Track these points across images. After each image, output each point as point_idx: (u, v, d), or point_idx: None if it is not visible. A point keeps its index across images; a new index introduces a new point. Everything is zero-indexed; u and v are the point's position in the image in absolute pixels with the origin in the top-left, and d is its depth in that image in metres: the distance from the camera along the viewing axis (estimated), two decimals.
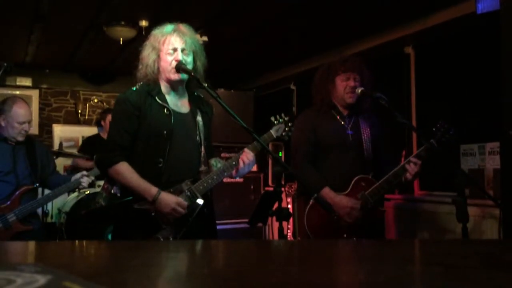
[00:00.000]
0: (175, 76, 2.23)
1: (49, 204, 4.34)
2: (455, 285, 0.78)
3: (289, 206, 4.59)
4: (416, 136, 4.10)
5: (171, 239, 2.15)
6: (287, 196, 4.49)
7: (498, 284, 0.78)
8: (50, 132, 6.68)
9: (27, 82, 6.53)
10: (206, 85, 2.21)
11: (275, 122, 2.50)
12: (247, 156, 2.30)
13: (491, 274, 0.86)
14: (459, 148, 3.59)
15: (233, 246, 1.33)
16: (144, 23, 4.37)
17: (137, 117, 2.21)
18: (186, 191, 2.21)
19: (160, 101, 2.24)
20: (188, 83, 2.35)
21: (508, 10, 2.38)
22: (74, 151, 5.27)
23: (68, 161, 5.59)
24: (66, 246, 1.53)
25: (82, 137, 6.29)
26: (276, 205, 2.36)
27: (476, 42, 3.69)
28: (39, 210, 3.58)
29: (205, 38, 4.48)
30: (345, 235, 2.74)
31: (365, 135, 2.92)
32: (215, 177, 2.27)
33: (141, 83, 2.28)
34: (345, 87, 2.86)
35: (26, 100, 3.42)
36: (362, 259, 1.11)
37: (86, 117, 6.88)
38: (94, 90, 6.94)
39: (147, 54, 2.25)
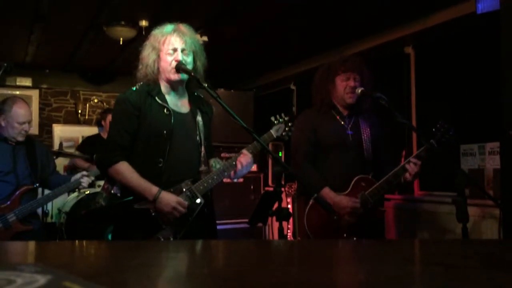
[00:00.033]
0: (175, 76, 2.23)
1: (49, 204, 4.34)
2: (455, 285, 0.78)
3: (289, 206, 4.59)
4: (416, 136, 4.10)
5: (171, 239, 2.15)
6: (287, 196, 4.49)
7: (498, 284, 0.78)
8: (50, 132, 6.68)
9: (27, 82, 6.53)
10: (206, 85, 2.21)
11: (275, 122, 2.50)
12: (245, 158, 2.30)
13: (491, 274, 0.86)
14: (459, 148, 3.59)
15: (233, 246, 1.33)
16: (144, 23, 4.37)
17: (137, 117, 2.21)
18: (186, 191, 2.21)
19: (160, 101, 2.24)
20: (188, 83, 2.35)
21: (508, 10, 2.38)
22: (74, 151, 5.27)
23: (68, 161, 5.59)
24: (66, 246, 1.53)
25: (82, 137, 6.29)
26: (276, 205, 2.36)
27: (476, 42, 3.69)
28: (39, 210, 3.58)
29: (205, 38, 4.48)
30: (345, 235, 2.74)
31: (365, 135, 2.92)
32: (215, 177, 2.27)
33: (141, 83, 2.28)
34: (345, 87, 2.86)
35: (26, 100, 3.42)
36: (362, 259, 1.11)
37: (86, 117, 6.88)
38: (94, 90, 6.94)
39: (147, 54, 2.25)
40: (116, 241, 2.25)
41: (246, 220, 2.53)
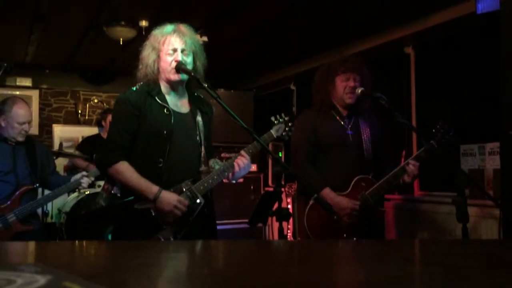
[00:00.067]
0: (175, 77, 2.23)
1: (49, 204, 4.34)
2: (455, 285, 0.78)
3: (289, 206, 4.59)
4: (416, 137, 4.10)
5: (171, 239, 2.15)
6: (287, 196, 4.49)
7: (498, 284, 0.78)
8: (50, 132, 6.68)
9: (27, 82, 6.53)
10: (206, 85, 2.21)
11: (275, 122, 2.50)
12: (242, 160, 2.30)
13: (491, 274, 0.86)
14: (459, 148, 3.59)
15: (233, 246, 1.33)
16: (144, 23, 4.37)
17: (137, 117, 2.21)
18: (186, 191, 2.21)
19: (160, 101, 2.24)
20: (188, 83, 2.35)
21: (508, 10, 2.38)
22: (74, 151, 5.27)
23: (67, 161, 5.59)
24: (66, 246, 1.53)
25: (82, 137, 6.28)
26: (276, 205, 2.36)
27: (476, 42, 3.69)
28: (39, 210, 3.58)
29: (205, 38, 4.48)
30: (345, 235, 2.74)
31: (365, 135, 2.92)
32: (215, 177, 2.27)
33: (141, 83, 2.28)
34: (344, 88, 2.86)
35: (26, 100, 3.42)
36: (362, 259, 1.11)
37: (86, 117, 6.88)
38: (94, 90, 6.94)
39: (147, 54, 2.25)
40: (116, 241, 2.25)
41: (246, 220, 2.53)
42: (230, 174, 2.31)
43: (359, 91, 2.82)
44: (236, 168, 2.29)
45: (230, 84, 6.13)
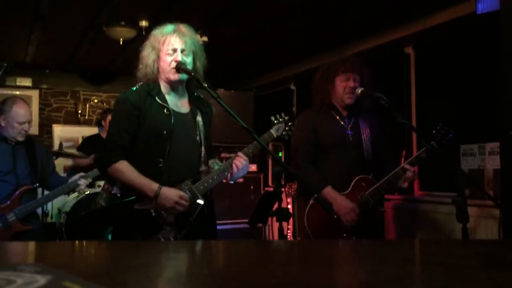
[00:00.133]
0: (174, 77, 2.23)
1: (49, 204, 4.34)
2: (455, 285, 0.78)
3: (289, 206, 4.59)
4: (416, 137, 4.10)
5: (171, 239, 2.15)
6: (287, 196, 4.49)
7: (498, 284, 0.78)
8: (50, 132, 6.68)
9: (27, 82, 6.52)
10: (206, 85, 2.21)
11: (275, 121, 2.50)
12: (240, 160, 2.30)
13: (491, 274, 0.86)
14: (459, 148, 3.59)
15: (233, 246, 1.33)
16: (144, 23, 4.37)
17: (137, 117, 2.21)
18: (187, 191, 2.21)
19: (160, 101, 2.24)
20: (188, 83, 2.35)
21: (508, 10, 2.38)
22: (74, 151, 5.27)
23: (68, 162, 5.59)
24: (66, 246, 1.53)
25: (82, 137, 6.28)
26: (276, 205, 2.36)
27: (476, 42, 3.69)
28: (39, 210, 3.58)
29: (205, 38, 4.48)
30: (345, 235, 2.74)
31: (365, 135, 2.92)
32: (215, 177, 2.27)
33: (141, 83, 2.29)
34: (344, 88, 2.86)
35: (26, 100, 3.42)
36: (362, 259, 1.11)
37: (86, 117, 6.87)
38: (94, 90, 6.94)
39: (147, 54, 2.26)
40: (116, 241, 2.25)
41: (246, 220, 2.53)
42: (229, 175, 2.31)
43: (359, 91, 2.82)
44: (235, 169, 2.29)
45: (230, 84, 6.13)
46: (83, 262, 1.05)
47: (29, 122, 3.19)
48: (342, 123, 2.92)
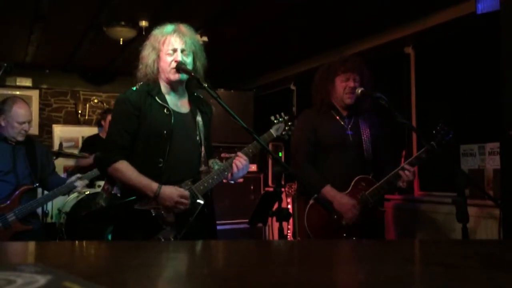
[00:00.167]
0: (174, 77, 2.23)
1: (49, 204, 4.34)
2: (455, 285, 0.78)
3: (289, 206, 4.59)
4: (416, 137, 4.10)
5: (171, 239, 2.15)
6: (287, 196, 4.49)
7: (498, 284, 0.78)
8: (50, 133, 6.67)
9: (27, 82, 6.52)
10: (206, 85, 2.21)
11: (275, 121, 2.51)
12: (240, 160, 2.30)
13: (491, 274, 0.86)
14: (459, 149, 3.59)
15: (233, 246, 1.33)
16: (144, 23, 4.37)
17: (137, 117, 2.21)
18: (186, 191, 2.21)
19: (160, 101, 2.24)
20: (188, 83, 2.35)
21: (508, 10, 2.38)
22: (74, 151, 5.28)
23: (67, 162, 5.60)
24: (66, 246, 1.53)
25: (82, 137, 6.29)
26: (276, 206, 2.36)
27: (476, 42, 3.69)
28: (39, 210, 3.59)
29: (205, 38, 4.47)
30: (345, 235, 2.74)
31: (365, 135, 2.92)
32: (215, 177, 2.27)
33: (141, 83, 2.29)
34: (344, 88, 2.86)
35: (26, 100, 3.43)
36: (362, 259, 1.11)
37: (86, 117, 6.87)
38: (94, 90, 6.93)
39: (147, 54, 2.26)
40: (116, 241, 2.25)
41: (246, 220, 2.53)
42: (229, 175, 2.31)
43: (359, 91, 2.82)
44: (235, 169, 2.29)
45: (230, 84, 6.13)
46: (83, 262, 1.05)
47: (29, 122, 3.19)
48: (342, 123, 2.92)
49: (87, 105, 6.88)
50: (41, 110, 6.65)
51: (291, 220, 4.59)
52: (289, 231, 4.66)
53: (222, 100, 2.09)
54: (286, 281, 0.81)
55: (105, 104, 6.87)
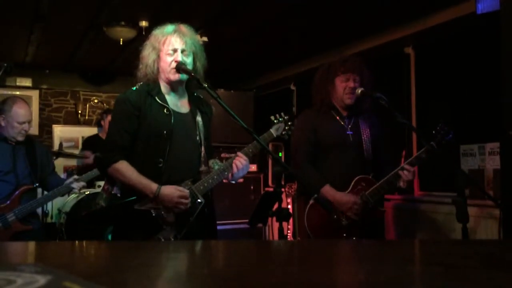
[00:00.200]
0: (174, 77, 2.23)
1: (49, 204, 4.34)
2: (455, 285, 0.78)
3: (289, 206, 4.59)
4: (416, 137, 4.10)
5: (171, 239, 2.15)
6: (287, 196, 4.49)
7: (498, 284, 0.78)
8: (50, 133, 6.67)
9: (27, 82, 6.52)
10: (206, 85, 2.21)
11: (275, 121, 2.51)
12: (240, 160, 2.30)
13: (491, 274, 0.86)
14: (459, 149, 3.59)
15: (233, 246, 1.33)
16: (144, 23, 4.37)
17: (137, 117, 2.21)
18: (187, 191, 2.21)
19: (160, 101, 2.24)
20: (188, 84, 2.35)
21: (508, 10, 2.38)
22: (74, 151, 5.28)
23: (67, 162, 5.60)
24: (66, 246, 1.53)
25: (82, 137, 6.29)
26: (276, 206, 2.36)
27: (476, 42, 3.69)
28: (39, 210, 3.59)
29: (205, 38, 4.47)
30: (345, 235, 2.74)
31: (365, 136, 2.92)
32: (215, 177, 2.27)
33: (141, 83, 2.29)
34: (344, 88, 2.86)
35: (26, 101, 3.43)
36: (362, 259, 1.11)
37: (86, 117, 6.87)
38: (94, 91, 6.93)
39: (147, 54, 2.26)
40: (116, 241, 2.25)
41: (246, 220, 2.53)
42: (229, 175, 2.31)
43: (359, 91, 2.82)
44: (235, 169, 2.29)
45: (230, 84, 6.13)
46: (83, 262, 1.05)
47: (29, 122, 3.19)
48: (342, 123, 2.92)
49: (87, 105, 6.88)
50: (41, 110, 6.65)
51: (291, 220, 4.59)
52: (289, 231, 4.66)
53: (222, 100, 2.09)
54: (286, 281, 0.81)
55: (105, 104, 6.87)
